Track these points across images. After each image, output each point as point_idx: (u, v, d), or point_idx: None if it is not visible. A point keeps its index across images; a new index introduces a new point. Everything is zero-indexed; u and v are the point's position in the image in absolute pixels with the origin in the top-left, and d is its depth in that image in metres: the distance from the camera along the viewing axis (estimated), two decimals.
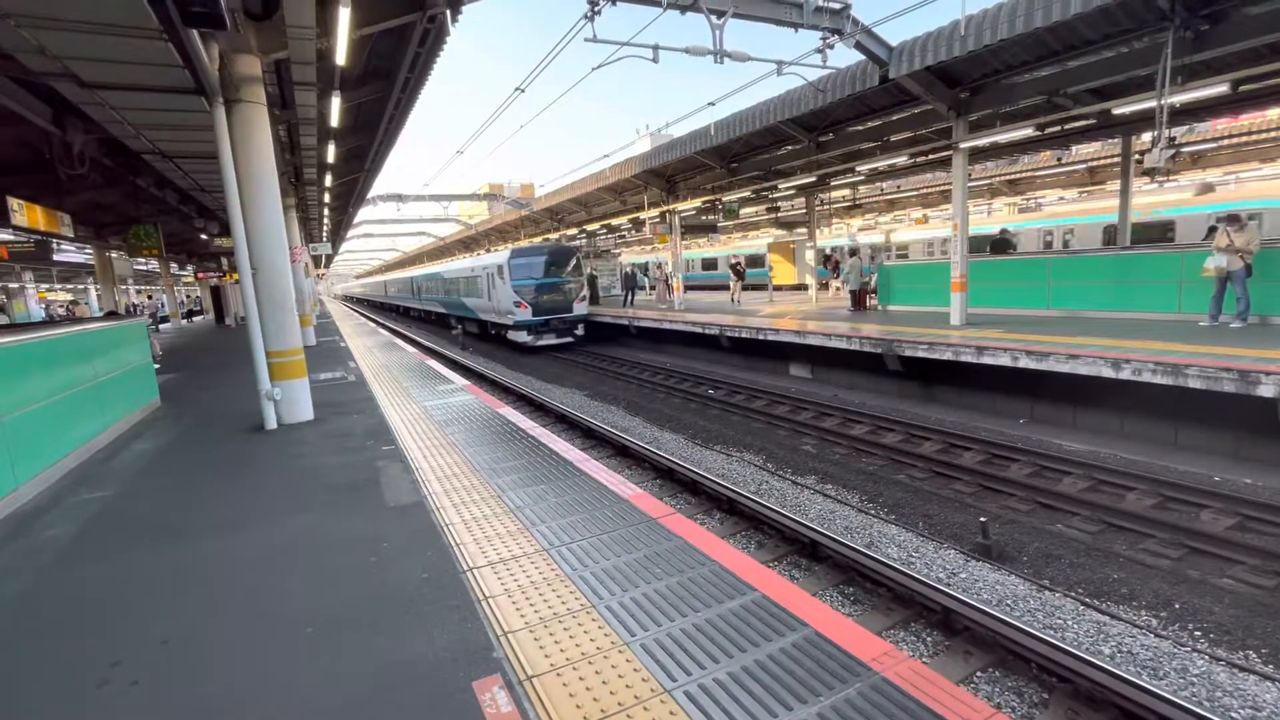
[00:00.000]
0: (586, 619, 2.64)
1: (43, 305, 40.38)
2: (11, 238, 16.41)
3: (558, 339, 19.37)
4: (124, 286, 33.49)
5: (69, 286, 47.11)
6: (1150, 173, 8.92)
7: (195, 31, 4.77)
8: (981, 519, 5.67)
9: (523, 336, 19.16)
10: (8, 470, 4.50)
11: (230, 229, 6.09)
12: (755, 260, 29.88)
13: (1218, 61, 8.69)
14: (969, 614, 4.28)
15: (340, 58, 6.11)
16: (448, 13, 6.86)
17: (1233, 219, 8.62)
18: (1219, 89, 8.21)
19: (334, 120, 8.62)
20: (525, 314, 18.80)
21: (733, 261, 21.20)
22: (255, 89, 6.10)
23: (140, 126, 7.19)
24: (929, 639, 4.31)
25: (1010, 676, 3.89)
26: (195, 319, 33.98)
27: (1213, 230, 9.54)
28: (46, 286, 42.45)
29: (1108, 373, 7.36)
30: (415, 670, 2.34)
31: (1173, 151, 8.48)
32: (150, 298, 44.38)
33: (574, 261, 20.10)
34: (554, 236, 29.34)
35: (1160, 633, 4.32)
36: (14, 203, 8.52)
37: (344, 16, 5.42)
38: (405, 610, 2.78)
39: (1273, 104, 11.25)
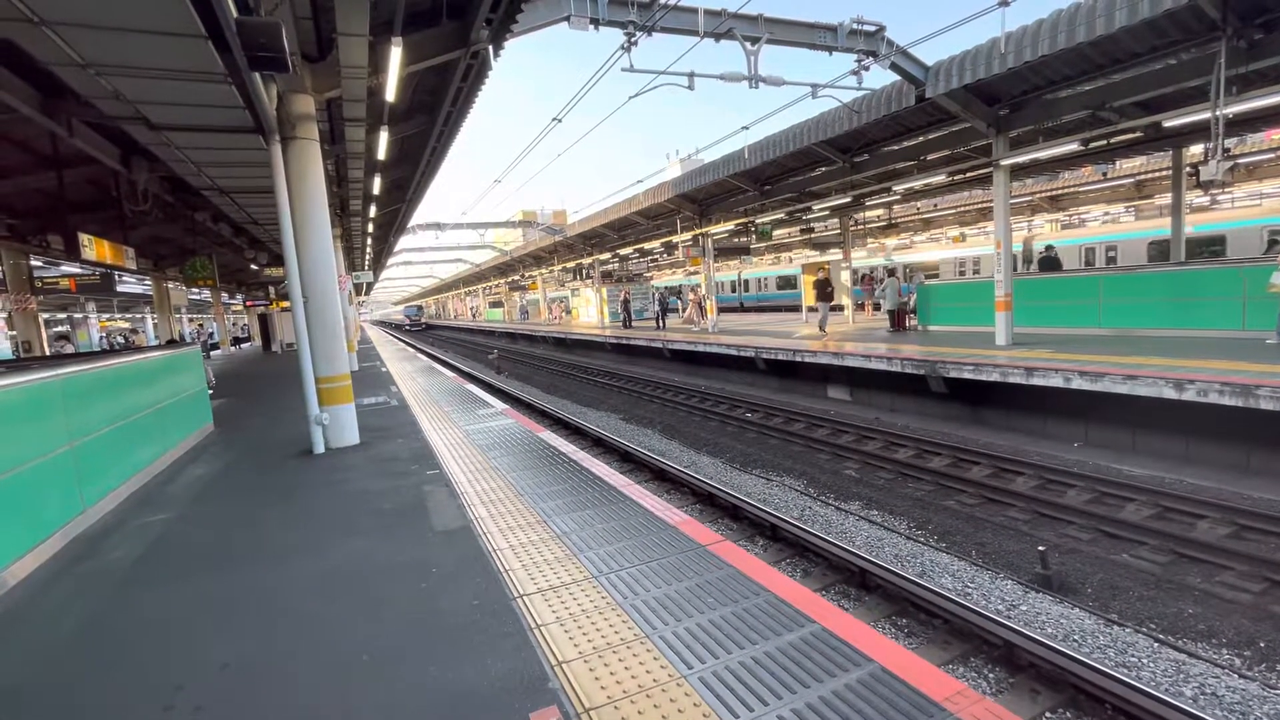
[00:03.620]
0: (641, 649, 2.58)
1: (103, 334, 42.49)
2: (78, 271, 17.40)
3: (418, 329, 63.67)
4: (178, 315, 35.06)
5: (127, 316, 49.51)
6: (1206, 185, 8.60)
7: (256, 74, 5.01)
8: (1040, 548, 5.42)
9: (407, 326, 66.14)
10: (76, 493, 4.69)
11: (283, 259, 6.32)
12: (788, 281, 31.17)
13: (1273, 70, 8.39)
14: (1034, 649, 4.06)
15: (390, 94, 6.36)
16: (490, 48, 7.08)
17: None
18: (1277, 97, 7.91)
19: (381, 154, 8.94)
20: (407, 323, 66.97)
21: (820, 277, 16.49)
22: (309, 126, 6.37)
23: (202, 164, 7.57)
24: (991, 675, 4.11)
25: (1083, 719, 3.67)
26: (243, 346, 35.27)
27: (1275, 244, 9.14)
28: (107, 316, 44.66)
29: (1170, 394, 7.03)
30: (472, 701, 2.32)
31: (1230, 164, 8.17)
32: (201, 326, 46.29)
33: (421, 308, 72.42)
34: (587, 261, 29.72)
35: (1246, 674, 4.03)
36: (84, 238, 9.02)
37: (395, 56, 5.65)
38: (458, 638, 2.77)
39: None
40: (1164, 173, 17.31)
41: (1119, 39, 8.03)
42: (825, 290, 16.23)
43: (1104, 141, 11.32)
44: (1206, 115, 7.93)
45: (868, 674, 2.34)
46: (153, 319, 45.02)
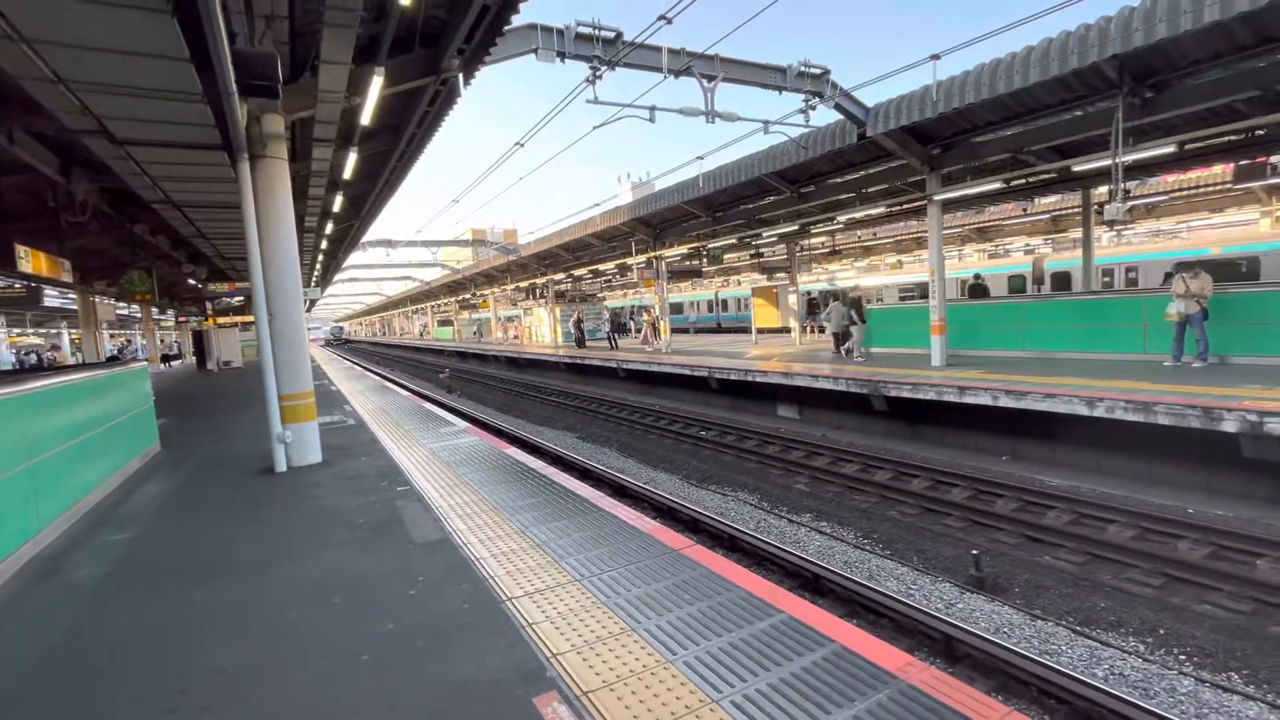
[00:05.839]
0: (629, 640, 2.83)
1: (13, 351, 39.51)
2: None
3: (339, 344, 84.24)
4: (100, 331, 33.04)
5: (41, 331, 46.27)
6: (1110, 223, 9.61)
7: (235, 96, 5.09)
8: (973, 552, 5.93)
9: (331, 342, 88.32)
10: (32, 512, 4.56)
11: (250, 276, 6.30)
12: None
13: (1165, 123, 9.52)
14: (970, 641, 4.51)
15: (366, 119, 6.49)
16: (460, 76, 7.31)
17: (1186, 267, 9.29)
18: (1167, 149, 8.98)
19: (347, 173, 8.97)
20: (330, 338, 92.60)
21: (853, 296, 14.73)
22: (278, 145, 6.43)
23: (159, 178, 7.46)
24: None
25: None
26: (173, 364, 33.51)
27: (1169, 277, 10.24)
28: (19, 331, 41.61)
29: (1083, 410, 7.78)
30: (476, 690, 2.51)
31: (1130, 204, 9.17)
32: (128, 342, 43.66)
33: (342, 328, 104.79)
34: (540, 281, 29.86)
35: (1148, 657, 4.57)
36: (20, 249, 8.64)
37: (376, 84, 5.82)
38: (454, 637, 2.94)
39: (1216, 161, 12.20)
40: (1076, 210, 18.97)
41: (1034, 92, 8.94)
42: (859, 313, 14.57)
43: (1023, 181, 12.39)
44: (1109, 162, 8.91)
45: (830, 652, 2.66)
46: (70, 335, 42.24)
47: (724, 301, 36.69)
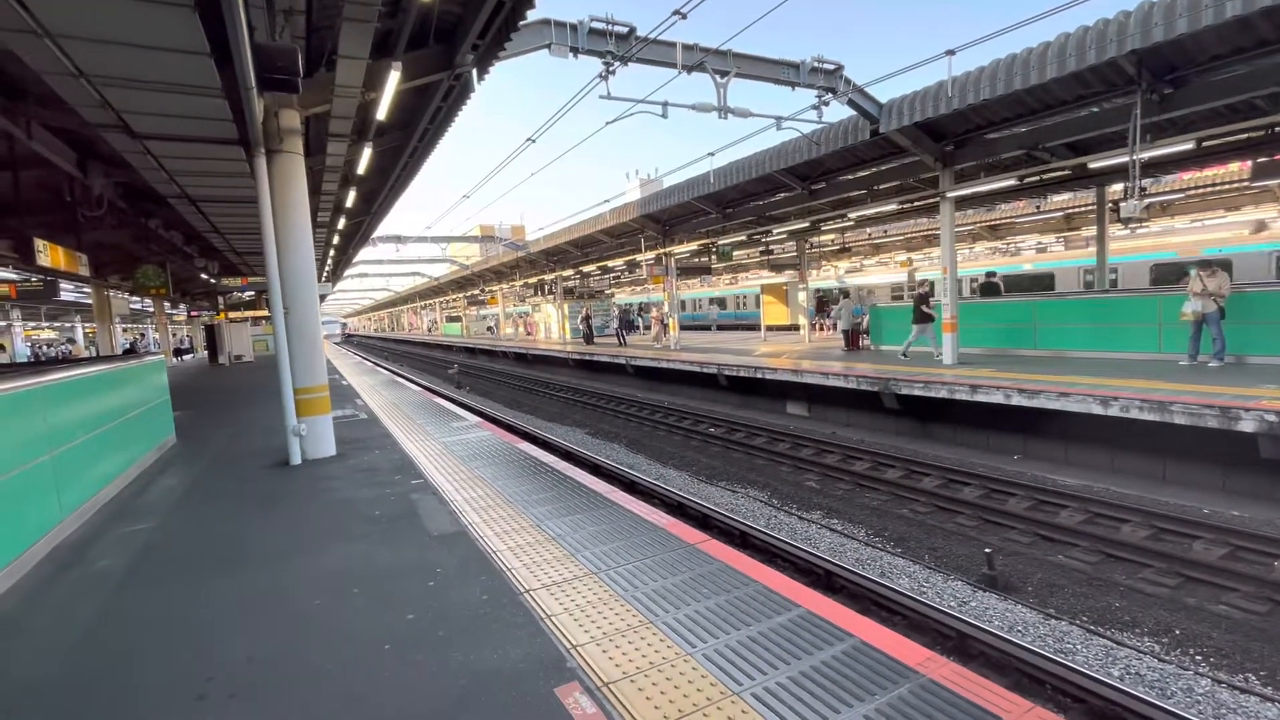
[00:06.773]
0: (647, 633, 2.84)
1: (28, 344, 39.99)
2: (14, 276, 16.49)
3: (345, 336, 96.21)
4: (114, 325, 33.33)
5: (55, 325, 46.75)
6: (1126, 221, 9.52)
7: (254, 91, 5.12)
8: (986, 550, 5.91)
9: (337, 338, 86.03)
10: (55, 502, 4.63)
11: (266, 270, 6.36)
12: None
13: (1182, 120, 9.41)
14: (984, 639, 4.50)
15: (382, 114, 6.53)
16: (474, 71, 7.33)
17: (1204, 265, 9.19)
18: (1184, 145, 8.88)
19: (361, 168, 9.02)
20: (339, 335, 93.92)
21: (920, 291, 13.02)
22: (295, 140, 6.47)
23: (176, 173, 7.52)
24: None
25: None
26: (185, 358, 33.82)
27: (1186, 275, 10.13)
28: (33, 325, 42.07)
29: (1097, 410, 7.73)
30: (498, 680, 2.53)
31: (1146, 202, 9.08)
32: (142, 335, 44.07)
33: (345, 324, 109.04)
34: (549, 277, 29.91)
35: (1164, 657, 4.55)
36: (39, 244, 8.74)
37: (393, 79, 5.85)
38: (474, 628, 2.97)
39: (1233, 159, 12.05)
40: (1090, 207, 18.80)
41: (1050, 88, 8.86)
42: (923, 308, 12.66)
43: (1037, 178, 12.30)
44: (1125, 159, 8.82)
45: (850, 646, 2.67)
46: (84, 328, 42.72)
47: (683, 302, 36.87)
